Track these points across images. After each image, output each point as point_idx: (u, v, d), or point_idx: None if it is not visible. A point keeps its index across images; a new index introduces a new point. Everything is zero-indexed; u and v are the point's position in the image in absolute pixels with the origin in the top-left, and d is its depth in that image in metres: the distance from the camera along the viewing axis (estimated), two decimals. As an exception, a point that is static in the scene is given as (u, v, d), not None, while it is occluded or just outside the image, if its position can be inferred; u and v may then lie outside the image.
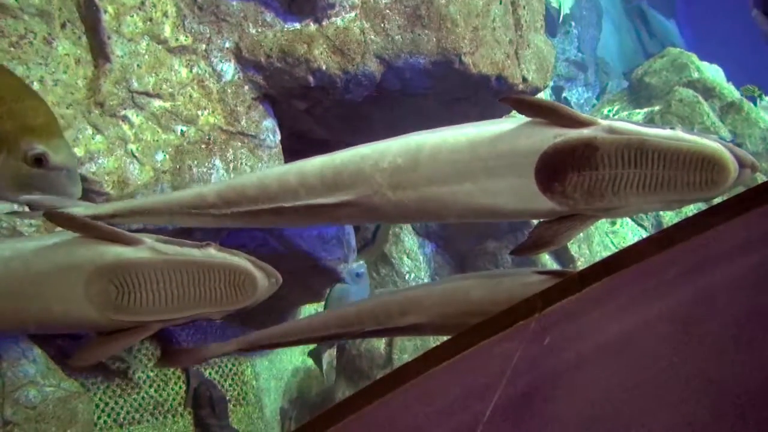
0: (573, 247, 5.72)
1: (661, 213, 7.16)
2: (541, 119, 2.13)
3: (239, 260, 2.28)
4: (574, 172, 2.06)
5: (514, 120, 2.20)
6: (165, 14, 3.16)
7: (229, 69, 3.39)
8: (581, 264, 5.64)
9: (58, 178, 2.14)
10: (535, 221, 3.02)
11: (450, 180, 2.20)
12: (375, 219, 2.46)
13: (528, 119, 2.16)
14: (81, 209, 2.54)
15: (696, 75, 8.14)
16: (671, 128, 2.08)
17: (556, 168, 2.08)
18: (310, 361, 5.34)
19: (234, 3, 3.37)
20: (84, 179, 2.85)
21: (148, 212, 2.54)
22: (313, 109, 3.78)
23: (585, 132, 2.06)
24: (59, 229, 2.41)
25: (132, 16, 3.06)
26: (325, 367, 5.21)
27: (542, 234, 2.24)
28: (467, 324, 2.47)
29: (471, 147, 2.18)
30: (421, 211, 2.33)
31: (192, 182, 3.21)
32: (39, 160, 2.07)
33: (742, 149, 2.12)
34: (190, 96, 3.24)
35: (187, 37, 3.24)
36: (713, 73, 8.52)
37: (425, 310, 2.55)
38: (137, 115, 3.06)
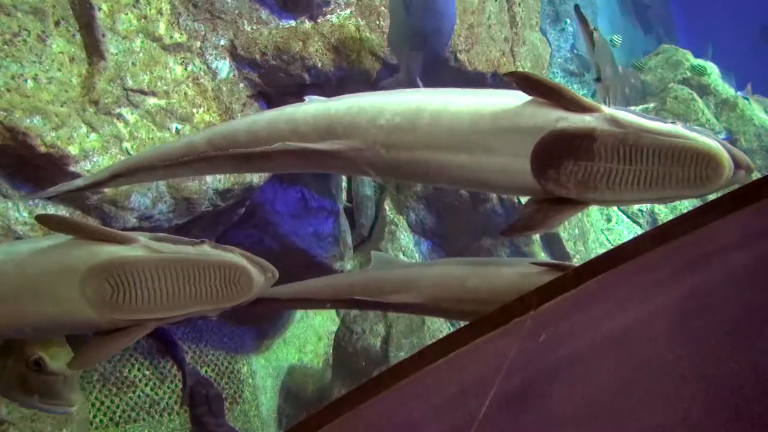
0: (569, 245, 5.73)
1: (656, 210, 7.19)
2: (545, 100, 2.11)
3: (234, 257, 2.27)
4: (570, 161, 2.06)
5: (518, 95, 2.16)
6: (159, 12, 3.15)
7: (224, 67, 3.38)
8: (577, 261, 5.65)
9: (55, 383, 2.38)
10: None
11: (446, 148, 2.18)
12: (364, 173, 2.45)
13: (531, 98, 2.14)
14: (80, 180, 2.68)
15: (691, 72, 8.15)
16: (672, 122, 2.07)
17: (553, 154, 2.07)
18: (306, 359, 5.34)
19: (229, 0, 3.36)
20: (79, 177, 2.85)
21: (144, 167, 2.56)
22: (308, 107, 3.77)
23: (587, 120, 2.05)
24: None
25: (126, 14, 3.04)
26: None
27: (533, 216, 2.22)
28: (460, 309, 2.48)
29: (472, 119, 2.15)
30: (412, 173, 2.31)
31: (186, 180, 3.20)
32: (37, 364, 2.35)
33: (738, 148, 2.12)
34: (185, 94, 3.23)
35: (181, 34, 3.23)
36: (708, 70, 8.54)
37: (419, 291, 2.55)
38: (132, 113, 3.05)
